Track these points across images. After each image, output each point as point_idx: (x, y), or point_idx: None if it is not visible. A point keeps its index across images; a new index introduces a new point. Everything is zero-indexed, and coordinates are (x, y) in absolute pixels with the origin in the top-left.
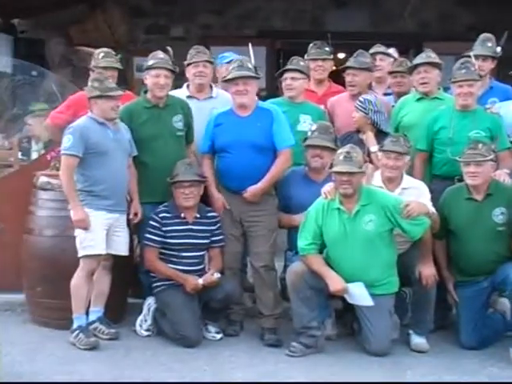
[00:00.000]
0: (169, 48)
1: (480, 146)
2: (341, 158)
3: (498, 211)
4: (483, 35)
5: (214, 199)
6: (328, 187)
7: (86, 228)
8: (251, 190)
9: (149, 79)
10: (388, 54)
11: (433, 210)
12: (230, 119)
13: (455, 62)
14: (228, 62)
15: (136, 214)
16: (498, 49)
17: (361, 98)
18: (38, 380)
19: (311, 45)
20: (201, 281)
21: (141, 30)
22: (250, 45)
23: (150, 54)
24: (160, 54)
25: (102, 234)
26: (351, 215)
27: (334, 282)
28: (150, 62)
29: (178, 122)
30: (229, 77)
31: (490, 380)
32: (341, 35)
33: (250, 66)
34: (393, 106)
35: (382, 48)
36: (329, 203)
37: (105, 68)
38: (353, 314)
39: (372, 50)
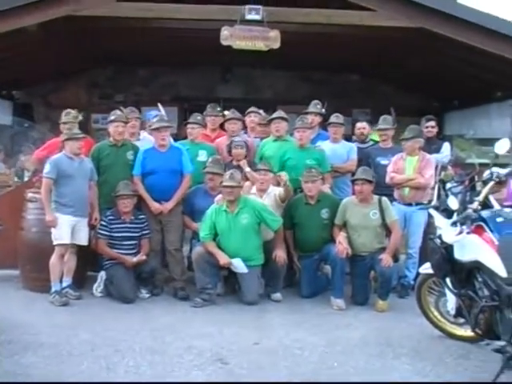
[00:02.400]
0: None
1: (313, 170)
2: (227, 177)
3: (324, 211)
4: (314, 101)
5: (153, 207)
6: (218, 197)
7: (54, 226)
8: (166, 206)
9: (111, 128)
10: (259, 113)
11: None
12: (154, 153)
13: (296, 118)
14: (154, 117)
15: (96, 219)
16: (323, 110)
17: (240, 140)
18: (31, 325)
19: (208, 106)
20: (135, 259)
21: (95, 96)
22: (159, 104)
23: (111, 112)
24: (118, 112)
25: (67, 230)
26: (233, 214)
27: (222, 258)
28: (112, 117)
29: (130, 155)
30: (154, 126)
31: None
32: (226, 100)
33: (166, 119)
34: (257, 146)
35: (255, 109)
36: (219, 207)
37: (65, 123)
38: (234, 278)
39: (249, 110)
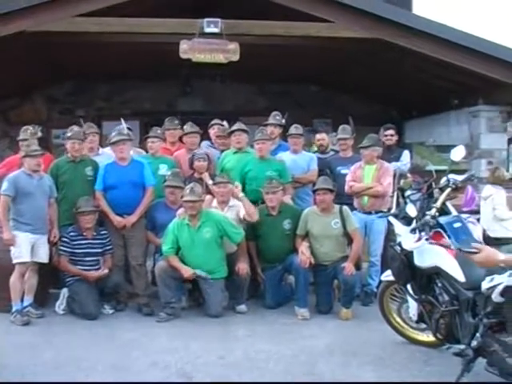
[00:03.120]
0: (81, 120)
1: (274, 181)
2: (188, 191)
3: (286, 222)
4: (274, 112)
5: (116, 221)
6: (180, 211)
7: (12, 245)
8: (129, 220)
9: (68, 145)
10: (222, 125)
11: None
12: (115, 167)
13: (256, 130)
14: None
15: (55, 236)
16: (283, 121)
17: (201, 153)
18: None
19: (166, 120)
20: (96, 273)
21: (56, 112)
22: (122, 119)
23: (68, 128)
24: (75, 128)
25: (27, 247)
26: (196, 228)
27: (185, 271)
28: (69, 134)
29: (88, 171)
30: (112, 141)
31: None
32: (187, 113)
33: (125, 132)
34: (218, 158)
35: (218, 121)
36: (181, 221)
37: (23, 140)
38: (199, 291)
39: (212, 122)
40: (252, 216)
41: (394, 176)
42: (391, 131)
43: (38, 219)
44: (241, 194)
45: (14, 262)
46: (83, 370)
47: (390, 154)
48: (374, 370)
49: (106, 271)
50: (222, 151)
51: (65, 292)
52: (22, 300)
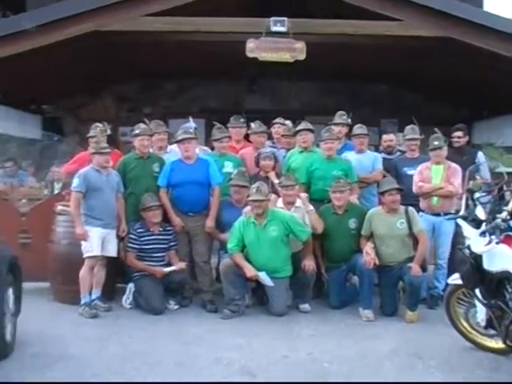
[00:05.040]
0: (145, 119)
1: (341, 180)
2: (254, 190)
3: (351, 221)
4: (340, 112)
5: (173, 220)
6: (247, 209)
7: (84, 240)
8: (209, 225)
9: (137, 142)
10: (284, 124)
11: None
12: (180, 165)
13: (322, 129)
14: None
15: (123, 231)
16: (349, 120)
17: (268, 151)
18: (60, 337)
19: (232, 117)
20: (167, 269)
21: (124, 110)
22: (190, 117)
23: (135, 125)
24: (142, 125)
25: (97, 242)
26: (262, 226)
27: (249, 271)
28: (137, 131)
29: (156, 168)
30: (178, 139)
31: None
32: (253, 111)
33: (191, 130)
34: (284, 157)
35: (280, 120)
36: (247, 219)
37: (92, 137)
38: (262, 289)
39: (275, 121)
40: (318, 230)
41: (464, 177)
42: (459, 133)
43: (107, 214)
44: (310, 207)
45: (85, 255)
46: (148, 364)
47: (461, 155)
48: (440, 374)
49: (179, 267)
50: (288, 150)
51: (131, 287)
52: (90, 293)
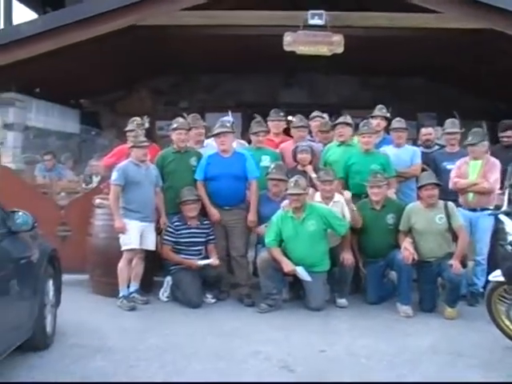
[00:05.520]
0: (184, 114)
1: (378, 175)
2: (292, 184)
3: (389, 216)
4: (379, 105)
5: (211, 214)
6: (285, 203)
7: (123, 233)
8: (251, 219)
9: (174, 136)
10: (323, 117)
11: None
12: (217, 159)
13: (360, 122)
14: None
15: (164, 223)
16: (388, 114)
17: (305, 145)
18: (99, 329)
19: (272, 111)
20: (202, 262)
21: (160, 104)
22: (229, 112)
23: (173, 120)
24: (180, 119)
25: (136, 235)
26: (300, 220)
27: (286, 265)
28: (175, 125)
29: (193, 161)
30: (214, 132)
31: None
32: (289, 105)
33: (228, 124)
34: (321, 150)
35: (319, 113)
36: (285, 213)
37: (131, 130)
38: (300, 284)
39: (313, 115)
40: (357, 224)
41: (505, 172)
42: (509, 132)
43: (146, 207)
44: (352, 205)
45: (123, 248)
46: (186, 356)
47: (508, 151)
48: (481, 372)
49: (218, 262)
50: (325, 145)
51: (168, 280)
52: (128, 286)
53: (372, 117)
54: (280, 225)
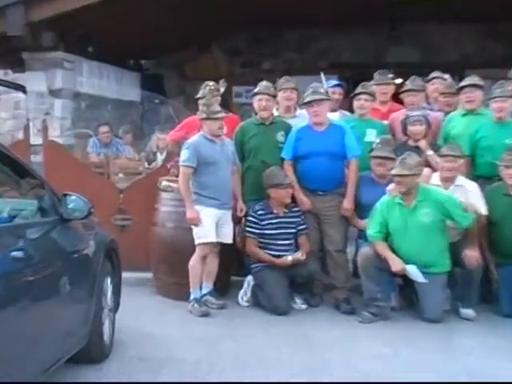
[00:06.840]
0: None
1: None
2: (398, 163)
3: None
4: None
5: (302, 202)
6: (391, 186)
7: (196, 224)
8: (346, 207)
9: (255, 103)
10: (444, 79)
11: (481, 210)
12: (309, 133)
13: (492, 85)
14: (333, 86)
15: (241, 210)
16: None
17: (419, 115)
18: (165, 338)
19: (376, 73)
20: (290, 258)
21: (237, 65)
22: (322, 73)
23: (257, 84)
24: (264, 82)
25: (212, 225)
26: (410, 209)
27: (394, 264)
28: (256, 90)
29: (280, 136)
30: (305, 101)
31: None
32: (396, 65)
33: (321, 90)
34: (443, 121)
35: (439, 73)
36: (392, 199)
37: (202, 98)
38: (412, 288)
39: (431, 76)
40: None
41: None
42: None
43: (223, 192)
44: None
45: (198, 242)
46: (268, 370)
47: None
48: None
49: (304, 257)
50: (447, 113)
51: (249, 280)
52: (200, 287)
53: (510, 79)
54: (385, 214)
